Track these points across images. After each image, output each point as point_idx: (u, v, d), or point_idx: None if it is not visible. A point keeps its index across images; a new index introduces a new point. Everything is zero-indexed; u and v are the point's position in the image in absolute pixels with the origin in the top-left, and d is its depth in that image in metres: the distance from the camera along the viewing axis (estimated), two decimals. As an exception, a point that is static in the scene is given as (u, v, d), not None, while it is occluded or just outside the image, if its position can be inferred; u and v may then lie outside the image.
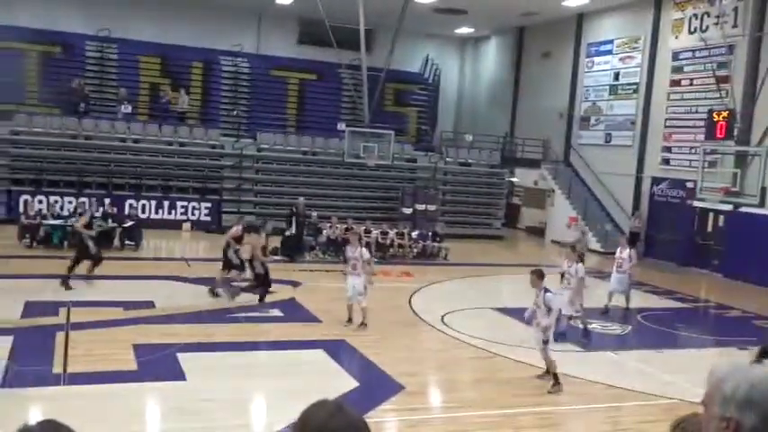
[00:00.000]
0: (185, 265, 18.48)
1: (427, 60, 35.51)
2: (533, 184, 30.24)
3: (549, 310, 10.21)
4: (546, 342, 10.23)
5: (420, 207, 26.38)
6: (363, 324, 13.00)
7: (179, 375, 9.79)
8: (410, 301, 15.75)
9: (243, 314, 13.61)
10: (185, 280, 16.34)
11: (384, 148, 25.37)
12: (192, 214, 25.10)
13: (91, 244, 15.16)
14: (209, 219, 25.26)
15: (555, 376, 10.16)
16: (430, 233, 23.06)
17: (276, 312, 14.12)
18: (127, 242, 20.36)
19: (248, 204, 26.09)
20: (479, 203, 29.12)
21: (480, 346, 12.37)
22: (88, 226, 15.56)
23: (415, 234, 22.83)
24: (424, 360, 11.88)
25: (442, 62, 36.15)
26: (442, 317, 14.30)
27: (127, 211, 22.28)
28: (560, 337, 13.39)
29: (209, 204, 25.37)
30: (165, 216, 24.70)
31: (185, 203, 25.10)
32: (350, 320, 13.15)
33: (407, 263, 20.98)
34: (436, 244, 22.69)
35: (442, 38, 36.34)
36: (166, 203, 24.84)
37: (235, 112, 30.01)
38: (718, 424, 1.86)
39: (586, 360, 12.23)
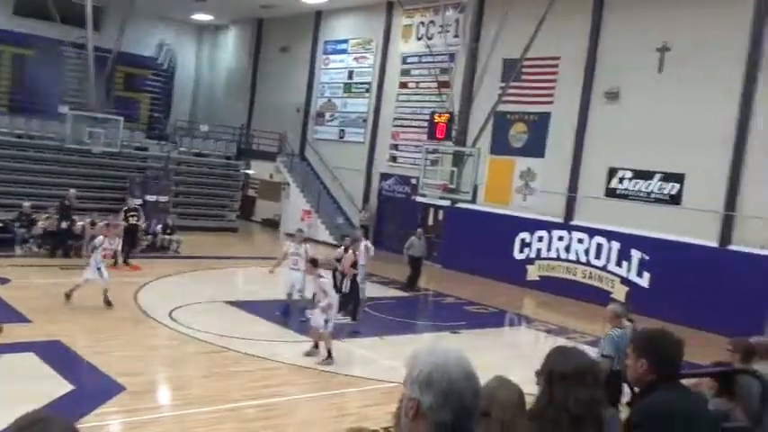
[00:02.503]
0: None
1: (162, 45, 34.04)
2: (269, 176, 30.40)
3: (325, 293, 11.62)
4: (327, 321, 11.45)
5: (151, 198, 25.20)
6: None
7: None
8: (136, 297, 14.97)
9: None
10: None
11: (112, 134, 23.83)
12: None
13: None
14: None
15: (329, 351, 11.40)
16: (160, 225, 22.15)
17: (-22, 312, 12.61)
18: None
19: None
20: (214, 195, 28.53)
21: (210, 341, 12.11)
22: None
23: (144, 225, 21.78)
24: (149, 358, 11.35)
25: (178, 48, 34.91)
26: (171, 312, 13.78)
27: None
28: (284, 313, 14.08)
29: None
30: None
31: None
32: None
33: (136, 256, 19.93)
34: (167, 236, 21.85)
35: (178, 23, 35.06)
36: None
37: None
38: (407, 403, 1.99)
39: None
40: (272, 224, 30.16)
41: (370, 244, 17.25)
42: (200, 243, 22.89)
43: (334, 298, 12.03)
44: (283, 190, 29.41)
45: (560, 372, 2.80)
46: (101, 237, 14.53)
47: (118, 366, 10.17)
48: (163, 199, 25.49)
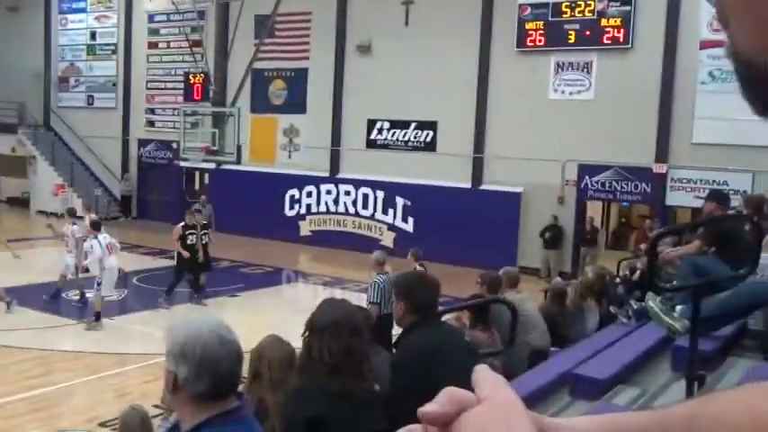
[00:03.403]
0: None
1: None
2: (11, 151, 27.68)
3: (94, 257, 11.74)
4: (99, 284, 11.62)
5: None
6: None
7: None
8: None
9: None
10: None
11: None
12: None
13: None
14: None
15: (97, 314, 11.55)
16: None
17: None
18: None
19: None
20: (-53, 176, 25.51)
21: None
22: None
23: None
24: None
25: None
26: None
27: None
28: (54, 296, 13.15)
29: None
30: None
31: None
32: None
33: None
34: None
35: None
36: None
37: None
38: (166, 376, 2.03)
39: (88, 332, 11.83)
40: (20, 203, 27.62)
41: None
42: (-65, 231, 20.38)
43: (111, 262, 11.94)
44: (30, 165, 26.99)
45: (317, 324, 2.91)
46: None
47: None
48: None
